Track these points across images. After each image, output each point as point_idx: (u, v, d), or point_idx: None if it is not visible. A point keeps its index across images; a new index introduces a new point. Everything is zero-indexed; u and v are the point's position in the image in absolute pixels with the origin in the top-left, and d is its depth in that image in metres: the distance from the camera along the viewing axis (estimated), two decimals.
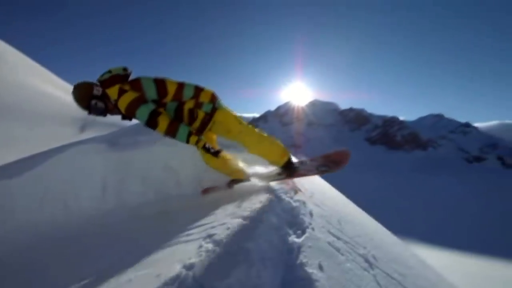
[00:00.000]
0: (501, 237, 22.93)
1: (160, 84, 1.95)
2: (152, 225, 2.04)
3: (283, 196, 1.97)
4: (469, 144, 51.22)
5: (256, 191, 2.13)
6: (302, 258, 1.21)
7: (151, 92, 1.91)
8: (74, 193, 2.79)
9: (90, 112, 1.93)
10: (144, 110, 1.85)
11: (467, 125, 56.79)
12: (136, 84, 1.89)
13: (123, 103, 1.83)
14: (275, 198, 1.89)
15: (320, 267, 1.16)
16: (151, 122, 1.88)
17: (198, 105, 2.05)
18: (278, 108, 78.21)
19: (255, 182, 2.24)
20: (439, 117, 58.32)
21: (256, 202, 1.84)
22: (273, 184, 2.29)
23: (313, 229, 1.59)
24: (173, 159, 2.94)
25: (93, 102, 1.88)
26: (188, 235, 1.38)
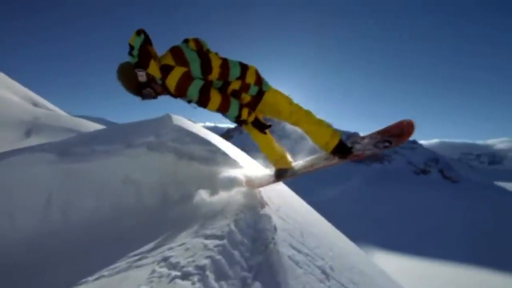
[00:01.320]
0: (444, 240, 26.14)
1: (204, 58, 1.70)
2: (103, 246, 1.81)
3: (250, 211, 1.96)
4: (416, 159, 58.98)
5: (225, 205, 2.09)
6: (262, 274, 1.20)
7: (195, 67, 1.66)
8: (9, 211, 2.36)
9: (143, 99, 1.75)
10: (197, 85, 1.62)
11: (414, 142, 66.21)
12: (179, 55, 1.64)
13: (172, 81, 1.59)
14: (242, 213, 1.87)
15: (278, 284, 1.17)
16: (204, 98, 1.66)
17: (245, 88, 1.85)
18: None
19: (298, 170, 2.16)
20: None
21: (222, 218, 1.80)
22: (241, 198, 2.27)
23: (275, 243, 1.60)
24: (135, 171, 2.73)
25: (144, 91, 1.67)
26: (142, 258, 1.26)
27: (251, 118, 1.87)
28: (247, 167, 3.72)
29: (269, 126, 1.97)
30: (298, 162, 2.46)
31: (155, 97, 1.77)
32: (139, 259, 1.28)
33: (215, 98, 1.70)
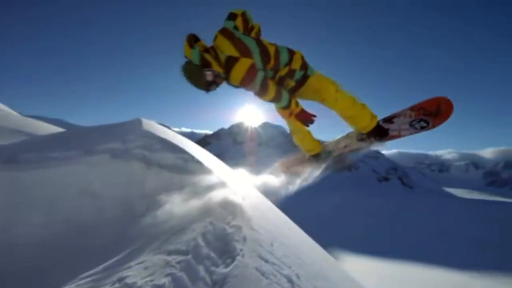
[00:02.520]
0: (407, 241, 28.56)
1: (262, 47, 1.64)
2: (50, 269, 1.59)
3: (219, 223, 1.92)
4: (379, 167, 64.65)
5: (194, 217, 2.01)
6: None
7: (257, 57, 1.60)
8: None
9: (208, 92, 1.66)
10: (260, 77, 1.57)
11: (378, 152, 73.02)
12: (239, 43, 1.56)
13: (238, 75, 1.52)
14: (211, 225, 1.82)
15: None
16: (263, 90, 1.63)
17: (290, 74, 1.80)
18: (232, 127, 78.91)
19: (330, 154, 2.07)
20: None
21: (189, 231, 1.73)
22: (213, 209, 2.22)
23: (243, 255, 1.59)
24: (95, 181, 2.48)
25: (212, 88, 1.63)
26: (95, 280, 1.14)
27: (297, 110, 1.85)
28: (222, 175, 3.66)
29: (313, 121, 1.92)
30: (329, 143, 2.36)
31: (216, 88, 1.72)
32: (92, 281, 1.15)
33: (272, 89, 1.68)
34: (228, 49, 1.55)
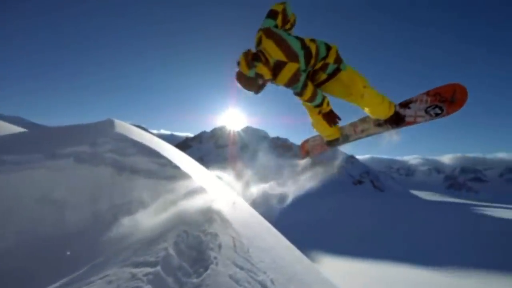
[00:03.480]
0: (379, 241, 30.08)
1: (307, 49, 1.66)
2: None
3: (194, 231, 1.87)
4: (354, 171, 68.41)
5: (168, 226, 1.93)
6: None
7: (301, 60, 1.64)
8: None
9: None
10: (302, 80, 1.64)
11: (352, 157, 77.62)
12: (286, 46, 1.57)
13: (283, 79, 1.59)
14: (184, 233, 1.76)
15: None
16: (303, 91, 1.68)
17: (324, 67, 1.81)
18: (214, 130, 77.36)
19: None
20: (334, 151, 78.17)
21: (161, 241, 1.65)
22: (189, 217, 2.15)
23: (217, 263, 1.56)
24: (57, 188, 2.26)
25: (261, 90, 1.69)
26: None
27: (327, 110, 1.90)
28: (202, 180, 3.56)
29: (337, 123, 1.98)
30: (347, 127, 2.36)
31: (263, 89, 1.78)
32: None
33: (309, 90, 1.73)
34: (276, 54, 1.58)
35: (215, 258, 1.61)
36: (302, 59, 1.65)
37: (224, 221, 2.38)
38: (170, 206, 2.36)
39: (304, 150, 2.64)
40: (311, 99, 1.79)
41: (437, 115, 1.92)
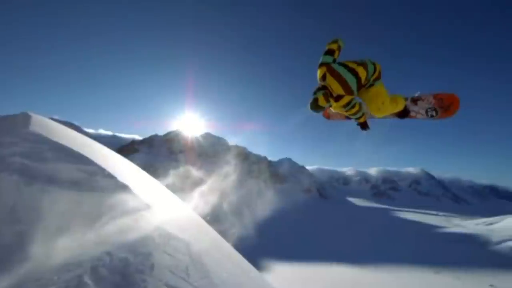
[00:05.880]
0: (328, 244, 32.45)
1: (358, 78, 1.99)
2: None
3: (121, 252, 1.61)
4: (303, 181, 74.21)
5: (86, 248, 1.60)
6: None
7: (354, 88, 1.99)
8: None
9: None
10: (352, 103, 2.04)
11: (303, 167, 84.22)
12: (344, 83, 1.95)
13: (340, 105, 2.03)
14: (107, 256, 1.50)
15: None
16: (351, 109, 2.05)
17: (367, 83, 2.12)
18: (168, 134, 70.04)
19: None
20: (288, 160, 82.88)
21: (75, 267, 1.35)
22: (116, 235, 1.85)
23: (145, 287, 1.37)
24: None
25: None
26: None
27: (362, 120, 2.24)
28: (142, 192, 3.15)
29: (366, 131, 2.30)
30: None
31: None
32: None
33: (355, 109, 2.08)
34: (338, 90, 2.00)
35: (144, 281, 1.42)
36: (354, 86, 2.01)
37: (163, 238, 2.15)
38: (95, 224, 2.00)
39: (326, 114, 2.87)
40: (354, 115, 2.17)
41: (432, 116, 2.18)
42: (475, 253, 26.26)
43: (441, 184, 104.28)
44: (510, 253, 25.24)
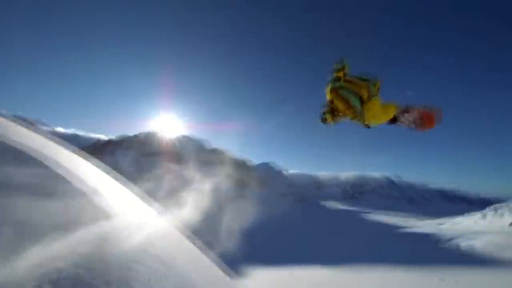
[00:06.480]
0: (299, 246, 32.87)
1: (361, 98, 2.31)
2: None
3: (73, 268, 1.43)
4: (281, 186, 75.98)
5: (33, 265, 1.37)
6: None
7: (357, 107, 2.31)
8: None
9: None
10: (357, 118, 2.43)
11: (280, 172, 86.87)
12: (351, 110, 2.31)
13: (346, 119, 2.42)
14: (56, 273, 1.31)
15: None
16: (354, 119, 2.39)
17: (368, 100, 2.36)
18: (140, 135, 63.74)
19: None
20: (267, 165, 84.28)
21: (32, 279, 1.15)
22: (70, 249, 1.64)
23: None
24: None
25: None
26: None
27: (362, 121, 2.43)
28: (106, 198, 2.87)
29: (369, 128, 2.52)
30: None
31: None
32: None
33: (357, 118, 2.35)
34: (344, 113, 2.32)
35: None
36: (357, 105, 2.31)
37: (123, 251, 1.97)
38: (44, 236, 1.75)
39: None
40: (354, 121, 2.47)
41: (411, 128, 2.42)
42: (428, 251, 29.28)
43: (400, 188, 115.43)
44: (457, 249, 28.64)
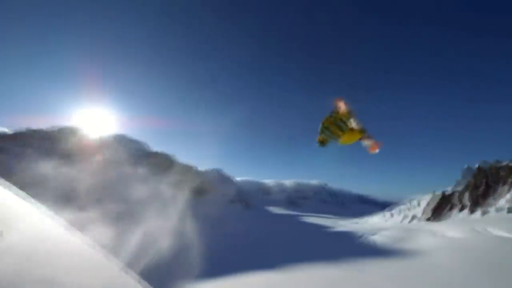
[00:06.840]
0: (262, 251, 32.77)
1: (342, 136, 4.23)
2: None
3: None
4: (229, 192, 75.36)
5: None
6: None
7: (343, 130, 4.25)
8: None
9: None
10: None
11: (229, 178, 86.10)
12: (344, 138, 4.24)
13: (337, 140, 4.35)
14: None
15: None
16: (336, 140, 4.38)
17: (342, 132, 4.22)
18: (53, 129, 48.83)
19: None
20: (216, 171, 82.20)
21: None
22: None
23: None
24: None
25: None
26: None
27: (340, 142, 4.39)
28: None
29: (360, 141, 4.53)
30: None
31: None
32: None
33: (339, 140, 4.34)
34: (336, 133, 4.19)
35: None
36: (342, 133, 4.16)
37: (19, 275, 1.66)
38: None
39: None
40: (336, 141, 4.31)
41: (366, 148, 4.32)
42: (348, 246, 34.86)
43: (332, 193, 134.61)
44: (369, 244, 35.06)
